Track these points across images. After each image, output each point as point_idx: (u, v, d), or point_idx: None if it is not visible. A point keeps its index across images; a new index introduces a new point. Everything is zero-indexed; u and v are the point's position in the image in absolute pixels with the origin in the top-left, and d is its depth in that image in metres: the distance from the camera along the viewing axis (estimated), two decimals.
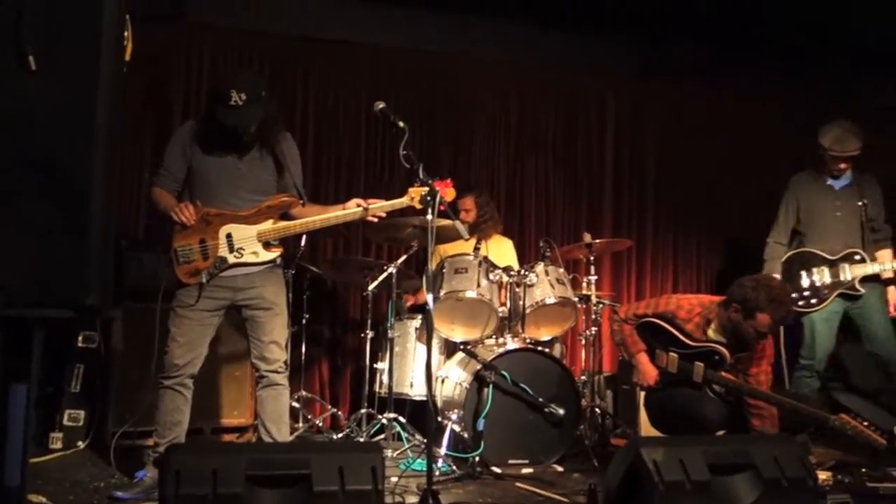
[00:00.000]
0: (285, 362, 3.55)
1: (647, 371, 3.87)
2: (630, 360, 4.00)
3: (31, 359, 2.06)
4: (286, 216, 3.50)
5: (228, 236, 3.38)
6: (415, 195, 3.36)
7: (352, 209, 3.47)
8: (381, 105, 3.37)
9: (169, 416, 3.37)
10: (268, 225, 3.42)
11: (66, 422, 4.28)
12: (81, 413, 4.32)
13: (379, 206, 3.50)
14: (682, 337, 3.81)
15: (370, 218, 3.51)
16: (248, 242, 3.40)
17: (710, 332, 3.82)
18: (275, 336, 3.49)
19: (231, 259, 3.36)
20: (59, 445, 4.22)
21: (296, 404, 4.60)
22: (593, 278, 4.74)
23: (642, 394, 4.04)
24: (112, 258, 2.11)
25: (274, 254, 3.46)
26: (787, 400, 3.70)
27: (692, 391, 3.75)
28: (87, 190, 1.83)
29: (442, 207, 3.28)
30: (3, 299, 1.80)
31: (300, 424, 4.62)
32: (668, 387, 3.84)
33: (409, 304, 5.05)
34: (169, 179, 3.46)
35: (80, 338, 4.38)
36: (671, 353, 3.82)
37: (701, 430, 3.58)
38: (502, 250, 5.17)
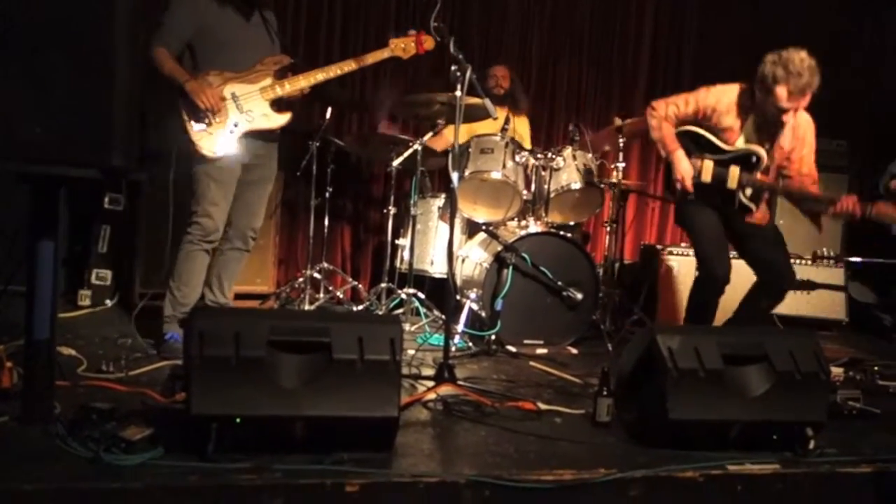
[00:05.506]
0: None
1: (685, 168, 3.72)
2: (667, 157, 3.85)
3: (58, 217, 2.08)
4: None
5: (233, 95, 3.35)
6: (395, 45, 3.60)
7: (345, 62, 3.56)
8: None
9: (197, 276, 3.46)
10: (268, 81, 3.41)
11: (94, 280, 4.39)
12: (108, 273, 4.43)
13: (364, 57, 3.60)
14: (718, 143, 3.73)
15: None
16: (255, 102, 3.38)
17: (748, 131, 3.71)
18: (264, 205, 3.67)
19: (244, 124, 3.36)
20: (87, 303, 4.35)
21: (317, 275, 4.67)
22: (621, 165, 4.62)
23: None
24: (137, 122, 2.09)
25: (285, 116, 3.46)
26: (824, 194, 3.63)
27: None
28: (112, 51, 1.80)
29: (418, 49, 3.59)
30: (29, 154, 1.80)
31: (321, 295, 4.69)
32: (701, 199, 3.75)
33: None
34: (174, 39, 3.31)
35: (106, 199, 4.44)
36: (706, 160, 3.72)
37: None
38: (521, 130, 5.16)
